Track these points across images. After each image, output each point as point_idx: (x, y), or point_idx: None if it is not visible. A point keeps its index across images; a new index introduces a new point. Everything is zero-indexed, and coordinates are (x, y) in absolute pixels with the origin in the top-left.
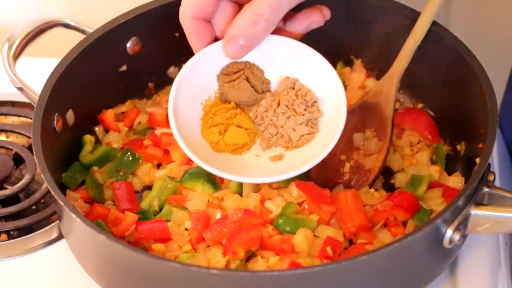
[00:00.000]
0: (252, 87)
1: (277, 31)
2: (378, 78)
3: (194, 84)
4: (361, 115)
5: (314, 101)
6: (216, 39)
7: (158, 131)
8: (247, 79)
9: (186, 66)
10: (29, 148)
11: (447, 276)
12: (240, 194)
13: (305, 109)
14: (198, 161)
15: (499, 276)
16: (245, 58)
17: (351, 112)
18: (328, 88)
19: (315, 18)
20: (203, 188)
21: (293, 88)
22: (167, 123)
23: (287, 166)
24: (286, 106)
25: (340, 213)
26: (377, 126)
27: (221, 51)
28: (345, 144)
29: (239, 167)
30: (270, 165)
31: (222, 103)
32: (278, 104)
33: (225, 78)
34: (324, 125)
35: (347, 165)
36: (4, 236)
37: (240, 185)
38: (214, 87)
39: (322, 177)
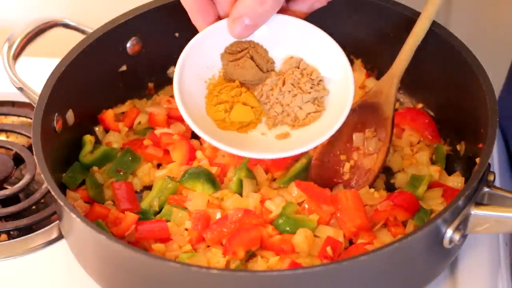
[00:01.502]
0: (257, 66)
1: (280, 11)
2: (378, 78)
3: (198, 62)
4: (361, 115)
5: (320, 80)
6: (219, 18)
7: (158, 131)
8: (251, 58)
9: (190, 44)
10: (29, 148)
11: (447, 276)
12: (240, 194)
13: (311, 87)
14: (204, 136)
15: (499, 276)
16: (249, 37)
17: (351, 112)
18: (334, 67)
19: None
20: (203, 188)
21: (298, 67)
22: (167, 123)
23: (294, 143)
24: (292, 84)
25: (340, 213)
26: (377, 126)
27: (225, 29)
28: (345, 144)
29: (245, 144)
30: (277, 143)
31: (226, 82)
32: (284, 83)
33: (230, 57)
34: (330, 104)
35: (347, 165)
36: (4, 236)
37: (240, 185)
38: (218, 65)
39: (322, 177)
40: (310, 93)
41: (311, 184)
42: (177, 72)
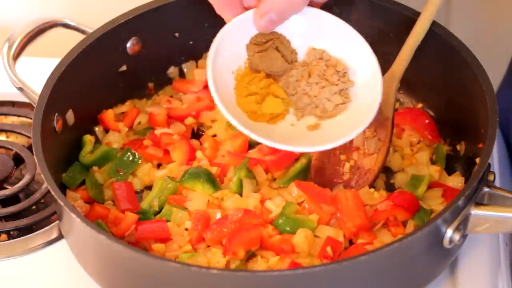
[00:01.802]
0: (282, 56)
1: None
2: None
3: (227, 54)
4: None
5: (345, 72)
6: (245, 9)
7: (158, 131)
8: (277, 49)
9: (220, 36)
10: (29, 148)
11: (447, 276)
12: (240, 194)
13: (338, 79)
14: (242, 128)
15: (499, 276)
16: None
17: None
18: (359, 58)
19: None
20: (203, 188)
21: (322, 59)
22: (167, 123)
23: (325, 135)
24: (319, 76)
25: (341, 213)
26: (377, 126)
27: (251, 21)
28: (345, 144)
29: (277, 135)
30: (308, 134)
31: (253, 73)
32: (310, 74)
33: (256, 48)
34: (356, 95)
35: (347, 165)
36: (4, 236)
37: (240, 185)
38: (244, 56)
39: (322, 177)
40: (337, 84)
41: (311, 184)
42: (209, 64)
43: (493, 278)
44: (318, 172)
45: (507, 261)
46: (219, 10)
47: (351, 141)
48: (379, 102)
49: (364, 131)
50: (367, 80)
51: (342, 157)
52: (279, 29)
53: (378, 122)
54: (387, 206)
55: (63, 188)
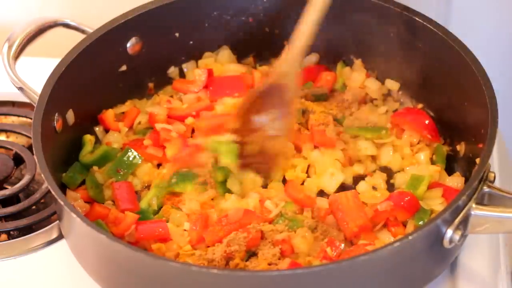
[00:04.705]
0: None
1: None
2: (378, 78)
3: None
4: (269, 97)
5: None
6: None
7: (159, 125)
8: None
9: None
10: (29, 148)
11: (447, 276)
12: (239, 194)
13: None
14: None
15: (499, 276)
16: None
17: (260, 95)
18: None
19: None
20: (194, 189)
21: None
22: (167, 123)
23: None
24: None
25: (342, 213)
26: (282, 107)
27: None
28: (249, 126)
29: None
30: None
31: None
32: None
33: None
34: None
35: (252, 149)
36: (4, 236)
37: (224, 185)
38: None
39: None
40: None
41: (299, 189)
42: None
43: (493, 278)
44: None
45: (507, 261)
46: None
47: (255, 124)
48: None
49: (269, 113)
50: None
51: (248, 140)
52: None
53: (283, 103)
54: (387, 207)
55: (63, 188)
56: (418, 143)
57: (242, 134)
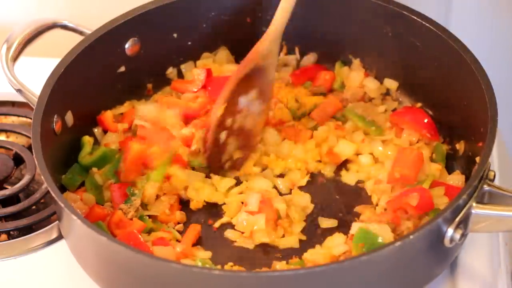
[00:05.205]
0: None
1: None
2: (377, 77)
3: None
4: (251, 78)
5: None
6: None
7: (138, 121)
8: None
9: None
10: (29, 148)
11: (447, 276)
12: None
13: None
14: None
15: (499, 276)
16: None
17: (244, 78)
18: None
19: None
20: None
21: None
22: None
23: None
24: None
25: (398, 157)
26: (262, 87)
27: None
28: (231, 108)
29: None
30: None
31: None
32: None
33: None
34: None
35: (223, 134)
36: (4, 236)
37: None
38: None
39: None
40: None
41: None
42: None
43: (493, 278)
44: (211, 159)
45: (507, 261)
46: None
47: (236, 104)
48: None
49: (249, 94)
50: None
51: (228, 120)
52: None
53: (264, 84)
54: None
55: (62, 189)
56: (417, 142)
57: (228, 116)
